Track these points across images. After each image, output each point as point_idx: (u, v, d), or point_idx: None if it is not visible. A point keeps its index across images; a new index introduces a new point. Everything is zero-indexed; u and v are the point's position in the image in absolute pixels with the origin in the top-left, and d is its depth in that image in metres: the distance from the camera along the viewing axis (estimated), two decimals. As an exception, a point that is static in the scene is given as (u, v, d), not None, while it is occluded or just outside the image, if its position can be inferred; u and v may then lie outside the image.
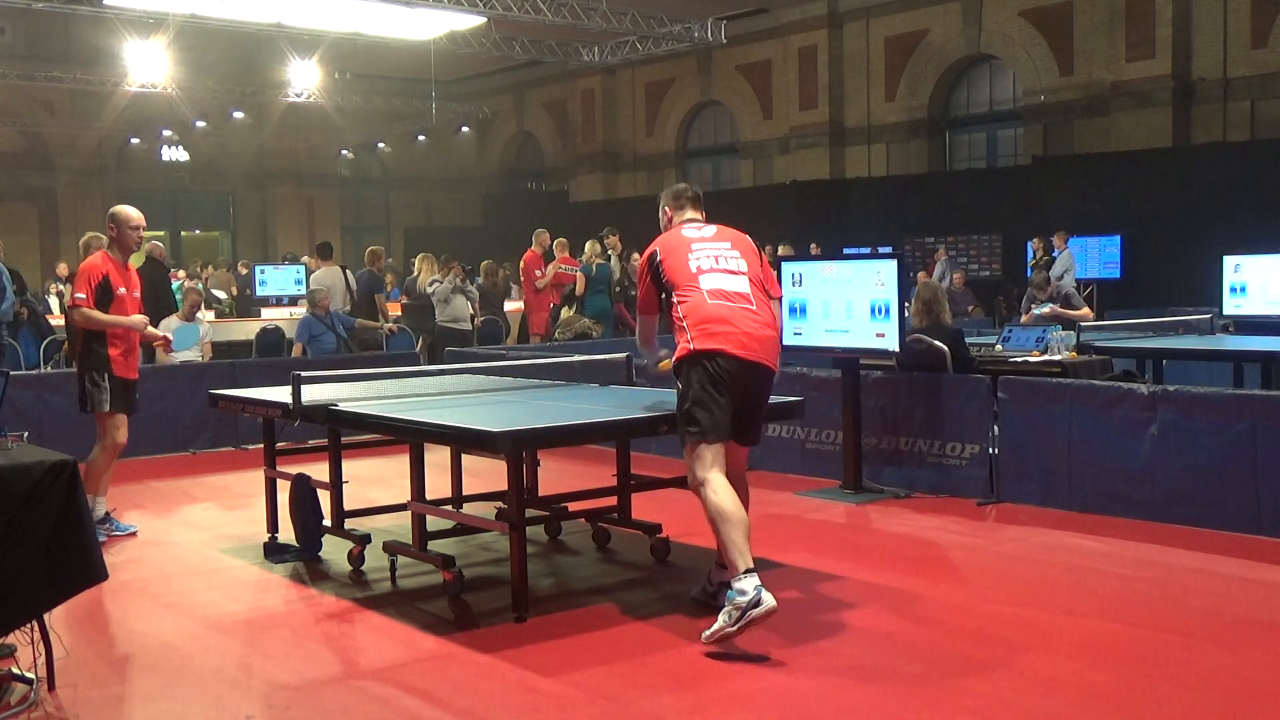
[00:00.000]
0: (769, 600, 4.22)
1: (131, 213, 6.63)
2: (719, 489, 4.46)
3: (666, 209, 5.04)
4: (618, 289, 13.86)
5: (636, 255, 14.74)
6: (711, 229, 4.88)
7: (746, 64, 25.99)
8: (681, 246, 4.76)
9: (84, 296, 6.39)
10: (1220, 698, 3.88)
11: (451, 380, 7.26)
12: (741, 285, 4.69)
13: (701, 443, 4.53)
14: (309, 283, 13.93)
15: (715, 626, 4.29)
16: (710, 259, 4.71)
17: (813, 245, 18.34)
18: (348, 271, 13.45)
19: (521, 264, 14.34)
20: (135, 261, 7.45)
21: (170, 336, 7.25)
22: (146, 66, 22.95)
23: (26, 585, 3.91)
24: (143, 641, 4.89)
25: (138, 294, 6.73)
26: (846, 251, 16.99)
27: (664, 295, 4.75)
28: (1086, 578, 5.40)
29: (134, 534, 6.64)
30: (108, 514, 6.61)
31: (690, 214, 4.96)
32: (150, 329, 6.80)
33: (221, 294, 19.27)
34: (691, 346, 4.55)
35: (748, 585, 4.23)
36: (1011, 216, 19.03)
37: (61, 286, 18.13)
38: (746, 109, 26.43)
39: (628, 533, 6.11)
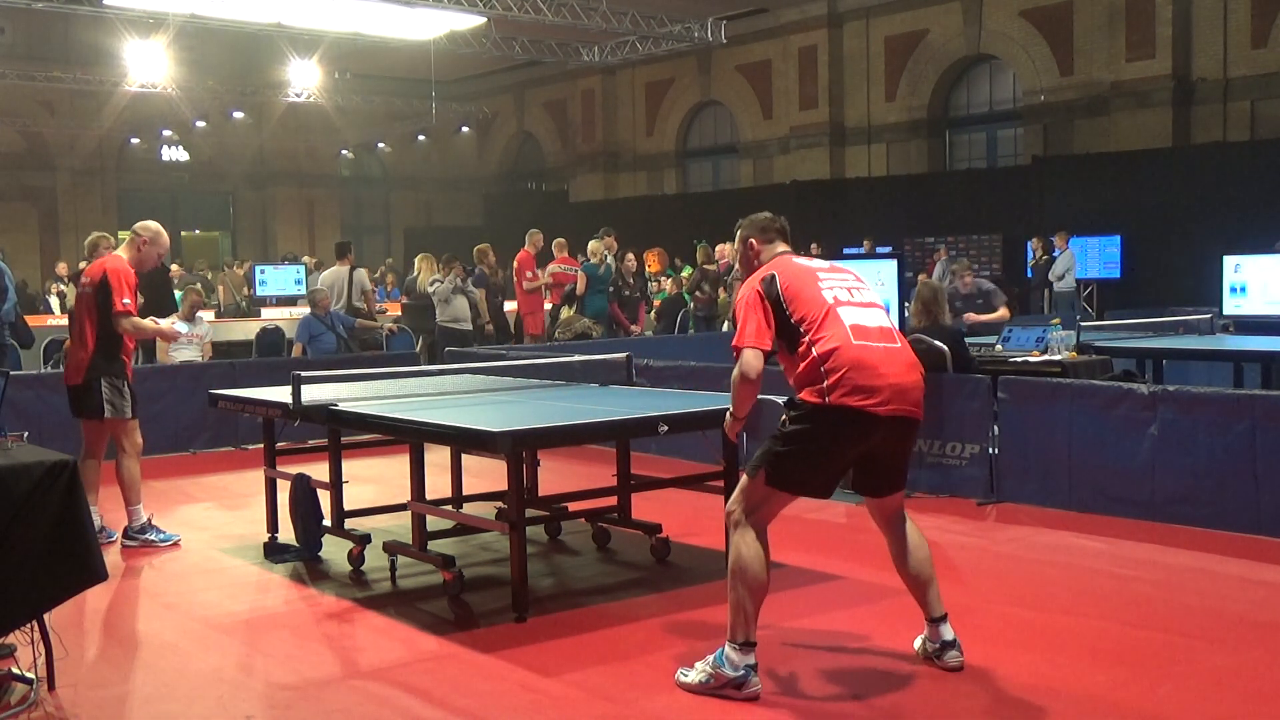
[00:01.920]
0: (754, 688, 3.90)
1: (166, 237, 6.64)
2: (754, 544, 3.95)
3: (753, 241, 4.28)
4: (612, 289, 13.89)
5: (631, 256, 14.80)
6: (824, 262, 4.25)
7: (746, 64, 26.00)
8: (805, 273, 4.07)
9: (130, 303, 6.24)
10: (1220, 698, 3.88)
11: (451, 380, 7.26)
12: (882, 319, 4.07)
13: (775, 490, 3.98)
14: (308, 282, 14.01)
15: (692, 677, 4.01)
16: (845, 290, 4.06)
17: (813, 245, 18.32)
18: (356, 272, 13.45)
19: (515, 264, 14.36)
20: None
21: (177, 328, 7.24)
22: (146, 66, 22.96)
23: (26, 585, 3.91)
24: (143, 641, 4.90)
25: None
26: (846, 251, 17.00)
27: (784, 329, 3.99)
28: (1086, 578, 5.40)
29: (177, 543, 6.42)
30: (149, 520, 6.46)
31: (782, 247, 4.27)
32: (167, 325, 6.81)
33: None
34: (827, 399, 3.87)
35: (740, 661, 3.91)
36: (1011, 216, 19.04)
37: (63, 287, 18.12)
38: (746, 109, 26.44)
39: (628, 533, 6.11)
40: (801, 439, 3.92)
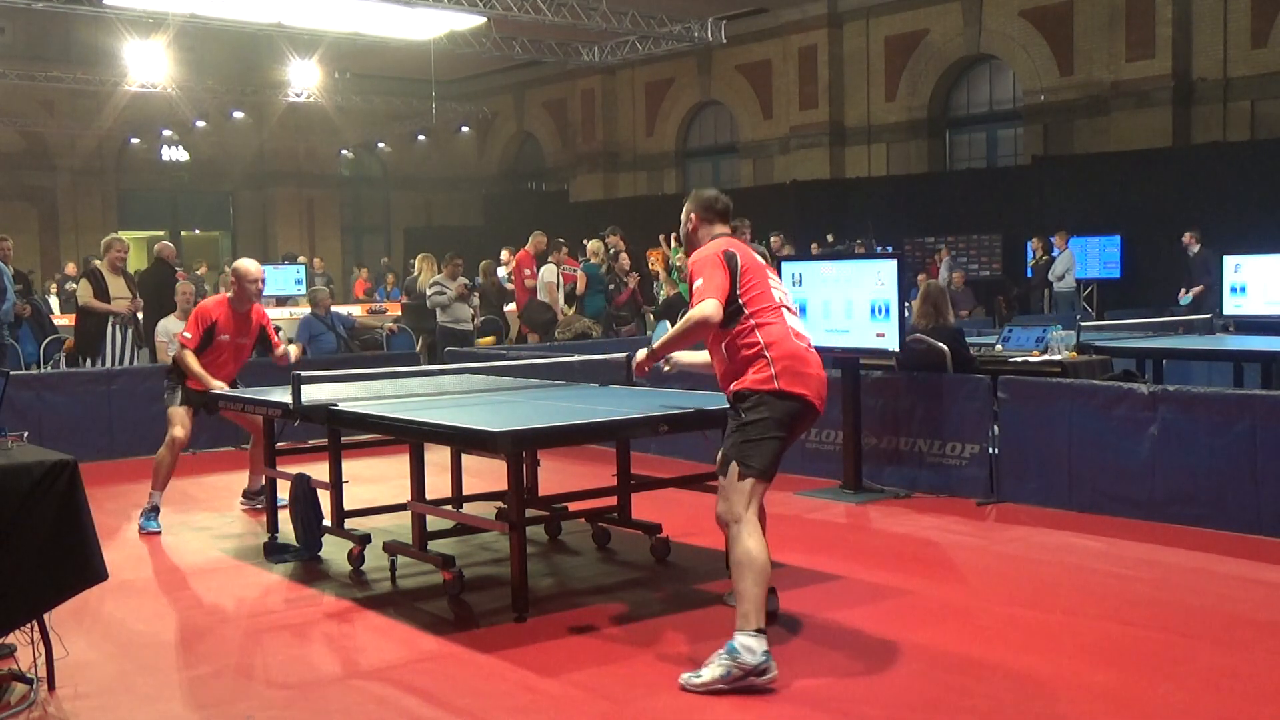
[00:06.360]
0: (773, 673, 3.97)
1: (251, 268, 7.07)
2: (755, 534, 4.13)
3: (693, 216, 4.58)
4: (613, 286, 13.88)
5: (624, 256, 14.80)
6: (759, 257, 4.52)
7: (746, 64, 25.97)
8: (759, 266, 4.39)
9: (190, 337, 6.87)
10: (1220, 698, 3.88)
11: (451, 380, 7.26)
12: (803, 325, 4.46)
13: (757, 481, 4.19)
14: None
15: (706, 676, 3.99)
16: (783, 294, 4.43)
17: (813, 245, 18.34)
18: (544, 267, 13.54)
19: (514, 263, 14.34)
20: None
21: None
22: (146, 66, 22.92)
23: (26, 585, 3.92)
24: (143, 641, 4.90)
25: (246, 340, 7.10)
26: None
27: (730, 303, 4.24)
28: (1086, 578, 5.40)
29: (157, 534, 6.75)
30: (154, 507, 6.86)
31: (720, 228, 4.55)
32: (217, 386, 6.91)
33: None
34: (777, 385, 4.18)
35: (757, 646, 3.96)
36: (1011, 216, 19.02)
37: (71, 286, 18.15)
38: (746, 109, 26.42)
39: (628, 533, 6.11)
40: (765, 426, 4.19)
